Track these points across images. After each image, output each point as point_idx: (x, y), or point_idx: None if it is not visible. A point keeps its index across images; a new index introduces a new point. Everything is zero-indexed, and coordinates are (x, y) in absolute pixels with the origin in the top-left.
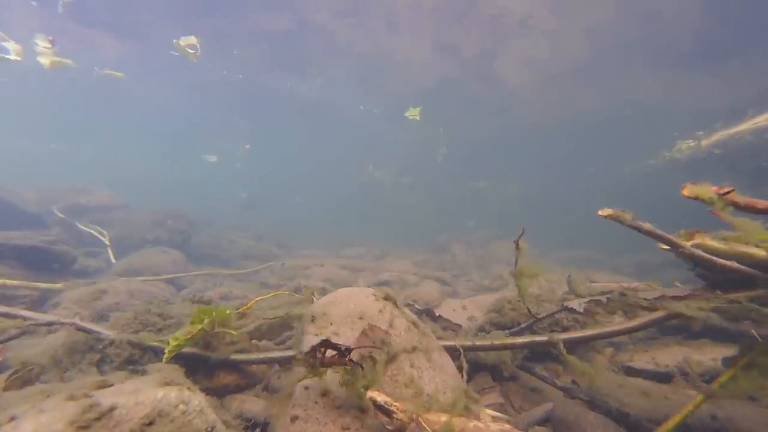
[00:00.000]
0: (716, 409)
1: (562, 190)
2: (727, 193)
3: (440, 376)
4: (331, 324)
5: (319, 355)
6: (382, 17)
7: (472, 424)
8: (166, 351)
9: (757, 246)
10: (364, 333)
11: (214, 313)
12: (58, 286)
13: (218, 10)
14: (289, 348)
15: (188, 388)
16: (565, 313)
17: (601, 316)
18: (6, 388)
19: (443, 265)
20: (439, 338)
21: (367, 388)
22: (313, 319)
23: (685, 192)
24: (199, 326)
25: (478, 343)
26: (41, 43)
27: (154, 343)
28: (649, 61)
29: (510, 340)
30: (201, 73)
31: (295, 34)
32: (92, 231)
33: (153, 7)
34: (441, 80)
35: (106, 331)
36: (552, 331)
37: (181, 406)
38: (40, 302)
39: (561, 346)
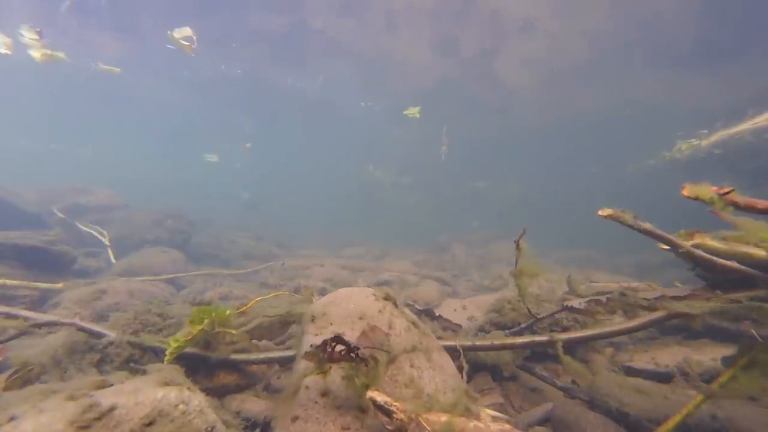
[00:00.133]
0: (716, 409)
1: (562, 190)
2: (727, 193)
3: (440, 376)
4: (331, 324)
5: (329, 350)
6: (382, 17)
7: (472, 424)
8: (167, 353)
9: (756, 246)
10: (364, 333)
11: (214, 314)
12: (58, 286)
13: (218, 10)
14: (289, 348)
15: (188, 388)
16: (565, 313)
17: (601, 316)
18: (6, 388)
19: (443, 265)
20: (439, 338)
21: (367, 386)
22: (313, 319)
23: (685, 192)
24: (200, 327)
25: (478, 343)
26: (27, 34)
27: (155, 344)
28: (649, 62)
29: (510, 340)
30: (200, 70)
31: (295, 34)
32: (92, 231)
33: (152, 6)
34: (441, 80)
35: (106, 331)
36: (552, 331)
37: (181, 406)
38: (40, 302)
39: (558, 346)
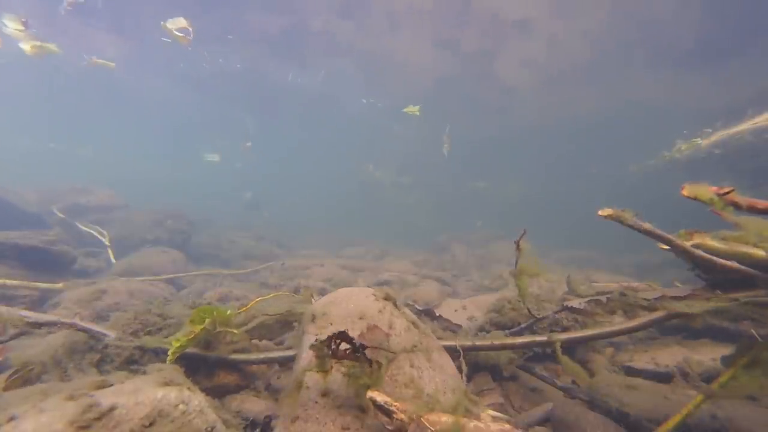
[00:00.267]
0: (716, 409)
1: (562, 191)
2: (727, 193)
3: (440, 376)
4: (331, 324)
5: (333, 346)
6: (383, 18)
7: (472, 424)
8: (169, 353)
9: (756, 246)
10: (364, 333)
11: (214, 313)
12: (58, 286)
13: (218, 9)
14: (289, 348)
15: (188, 388)
16: (565, 313)
17: (601, 316)
18: (6, 388)
19: (443, 265)
20: (439, 338)
21: (368, 387)
22: (313, 319)
23: (685, 192)
24: (201, 326)
25: (478, 343)
26: (11, 24)
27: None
28: (649, 62)
29: (510, 340)
30: (198, 65)
31: (295, 34)
32: (92, 231)
33: (152, 5)
34: (441, 80)
35: (106, 331)
36: (552, 331)
37: (181, 406)
38: (40, 302)
39: (557, 346)
